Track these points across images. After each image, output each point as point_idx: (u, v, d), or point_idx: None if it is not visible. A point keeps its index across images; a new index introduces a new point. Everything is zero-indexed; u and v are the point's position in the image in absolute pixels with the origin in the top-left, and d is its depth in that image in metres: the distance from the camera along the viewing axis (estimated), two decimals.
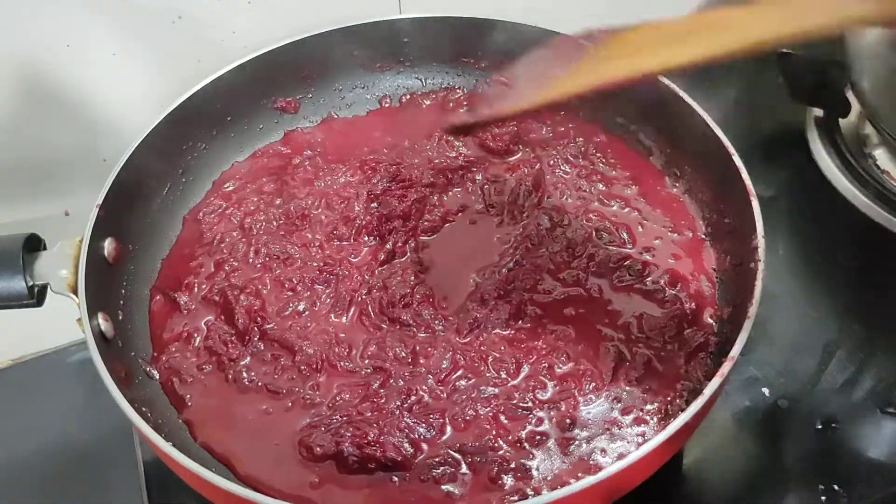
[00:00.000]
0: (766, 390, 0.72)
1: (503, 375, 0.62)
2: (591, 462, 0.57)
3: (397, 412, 0.60)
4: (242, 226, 0.73)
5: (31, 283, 0.60)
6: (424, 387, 0.62)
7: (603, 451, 0.58)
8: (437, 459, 0.58)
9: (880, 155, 0.86)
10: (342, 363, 0.63)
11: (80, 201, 0.70)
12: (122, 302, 0.66)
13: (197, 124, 0.76)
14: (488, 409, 0.60)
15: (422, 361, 0.63)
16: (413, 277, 0.68)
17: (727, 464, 0.68)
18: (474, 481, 0.57)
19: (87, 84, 0.80)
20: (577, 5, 0.97)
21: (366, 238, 0.72)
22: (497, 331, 0.65)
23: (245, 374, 0.63)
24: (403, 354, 0.63)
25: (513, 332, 0.65)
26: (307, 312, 0.67)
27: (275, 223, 0.73)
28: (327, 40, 0.80)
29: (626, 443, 0.58)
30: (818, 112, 0.91)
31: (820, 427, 0.69)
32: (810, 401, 0.71)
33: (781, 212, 0.84)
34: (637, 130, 0.79)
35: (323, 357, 0.64)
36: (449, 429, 0.59)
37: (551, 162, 0.78)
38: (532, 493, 0.56)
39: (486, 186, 0.76)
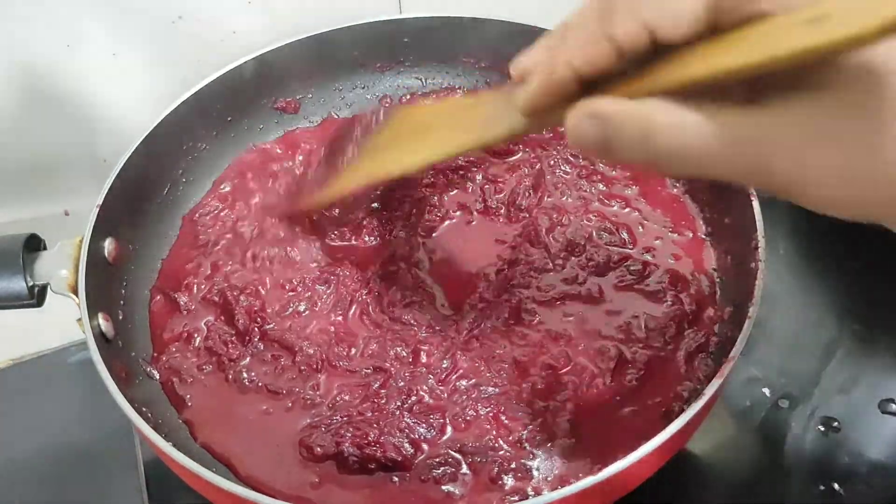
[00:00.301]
0: (766, 390, 0.72)
1: (503, 375, 0.62)
2: (592, 463, 0.57)
3: (397, 412, 0.60)
4: (235, 229, 0.73)
5: (31, 283, 0.60)
6: (425, 387, 0.62)
7: (604, 451, 0.58)
8: (437, 460, 0.58)
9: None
10: (342, 363, 0.63)
11: (80, 201, 0.70)
12: (122, 302, 0.66)
13: (197, 124, 0.76)
14: (488, 409, 0.60)
15: (422, 361, 0.63)
16: (413, 277, 0.68)
17: (727, 464, 0.68)
18: (475, 481, 0.57)
19: (87, 84, 0.80)
20: (576, 5, 0.97)
21: (367, 238, 0.72)
22: (497, 330, 0.65)
23: (245, 375, 0.63)
24: (404, 354, 0.63)
25: (513, 331, 0.65)
26: (307, 312, 0.67)
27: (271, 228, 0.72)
28: (327, 40, 0.80)
29: (627, 443, 0.58)
30: None
31: (820, 427, 0.69)
32: (810, 401, 0.71)
33: (781, 212, 0.84)
34: None
35: (323, 357, 0.64)
36: (449, 429, 0.59)
37: (551, 162, 0.78)
38: (532, 493, 0.56)
39: (486, 186, 0.76)
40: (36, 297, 0.61)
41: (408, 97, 0.86)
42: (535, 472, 0.57)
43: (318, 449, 0.58)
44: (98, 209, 0.64)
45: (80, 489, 0.70)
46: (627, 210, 0.74)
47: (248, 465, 0.58)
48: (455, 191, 0.76)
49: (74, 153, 0.83)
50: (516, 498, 0.55)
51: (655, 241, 0.71)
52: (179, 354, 0.65)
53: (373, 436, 0.58)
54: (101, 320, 0.61)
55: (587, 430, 0.59)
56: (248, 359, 0.64)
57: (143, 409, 0.57)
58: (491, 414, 0.60)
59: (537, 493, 0.56)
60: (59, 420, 0.74)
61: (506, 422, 0.59)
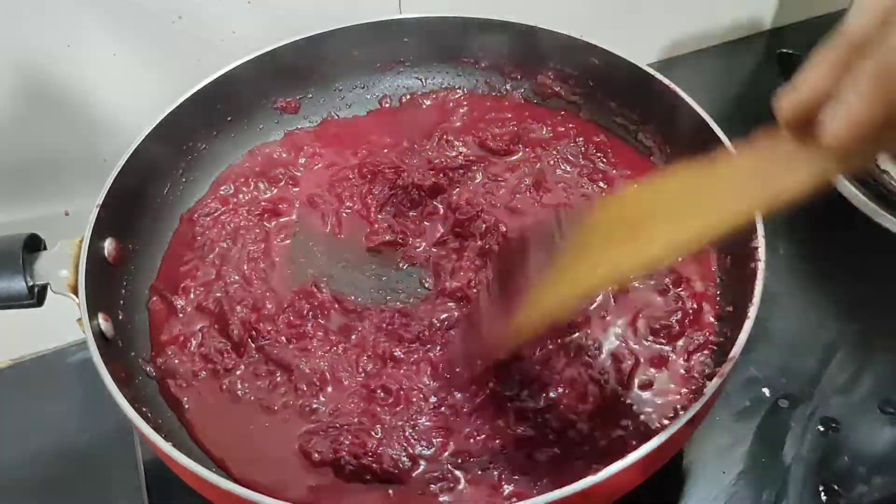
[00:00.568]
0: (766, 390, 0.72)
1: (512, 385, 0.62)
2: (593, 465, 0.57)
3: (399, 425, 0.59)
4: (235, 235, 0.72)
5: (31, 283, 0.60)
6: (429, 402, 0.61)
7: (604, 452, 0.58)
8: (435, 474, 0.57)
9: (881, 155, 0.86)
10: (346, 380, 0.63)
11: (80, 201, 0.70)
12: (122, 302, 0.66)
13: (197, 124, 0.76)
14: (497, 420, 0.60)
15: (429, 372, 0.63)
16: (421, 287, 0.69)
17: (727, 464, 0.68)
18: (474, 492, 0.56)
19: (87, 84, 0.80)
20: (577, 5, 0.97)
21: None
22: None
23: (239, 386, 0.63)
24: (408, 366, 0.63)
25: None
26: (306, 328, 0.66)
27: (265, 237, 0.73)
28: (327, 40, 0.80)
29: (627, 443, 0.58)
30: None
31: (820, 427, 0.69)
32: (810, 401, 0.71)
33: (781, 212, 0.84)
34: (637, 130, 0.79)
35: (323, 376, 0.63)
36: (452, 445, 0.59)
37: (552, 161, 0.78)
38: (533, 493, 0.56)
39: (487, 184, 0.76)
40: (36, 297, 0.61)
41: (408, 97, 0.86)
42: (536, 477, 0.57)
43: (317, 455, 0.58)
44: (98, 209, 0.64)
45: (80, 489, 0.70)
46: None
47: (243, 468, 0.58)
48: (457, 189, 0.75)
49: (74, 153, 0.83)
50: (515, 500, 0.55)
51: None
52: (176, 358, 0.65)
53: (371, 445, 0.57)
54: (101, 320, 0.61)
55: (596, 433, 0.59)
56: (241, 369, 0.64)
57: (143, 410, 0.57)
58: (499, 424, 0.59)
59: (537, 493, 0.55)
60: (59, 420, 0.74)
61: (512, 430, 0.59)
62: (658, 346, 0.64)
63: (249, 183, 0.77)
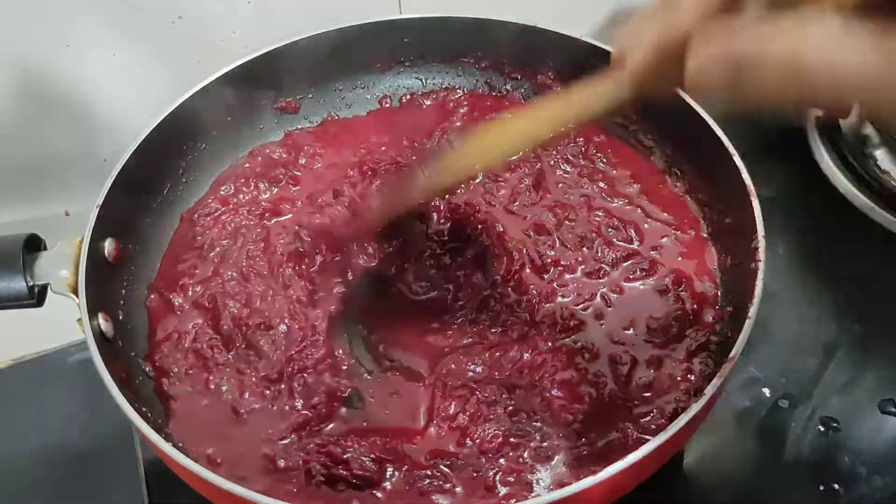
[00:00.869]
0: (766, 390, 0.72)
1: (517, 393, 0.61)
2: (590, 466, 0.57)
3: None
4: (235, 235, 0.72)
5: (31, 283, 0.60)
6: (433, 401, 0.61)
7: (601, 453, 0.58)
8: (425, 472, 0.57)
9: (881, 155, 0.86)
10: (333, 380, 0.63)
11: (80, 201, 0.70)
12: (122, 302, 0.66)
13: (197, 124, 0.76)
14: (497, 423, 0.59)
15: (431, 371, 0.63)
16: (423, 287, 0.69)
17: (727, 464, 0.68)
18: (468, 494, 0.56)
19: (87, 84, 0.80)
20: (577, 5, 0.97)
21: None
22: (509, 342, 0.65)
23: (224, 382, 0.63)
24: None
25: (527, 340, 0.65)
26: (293, 328, 0.66)
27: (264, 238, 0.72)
28: (327, 40, 0.80)
29: (626, 444, 0.58)
30: (818, 112, 0.91)
31: (820, 427, 0.69)
32: (810, 401, 0.71)
33: (781, 212, 0.84)
34: (637, 130, 0.79)
35: (299, 371, 0.63)
36: (451, 446, 0.59)
37: (552, 162, 0.78)
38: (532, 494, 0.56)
39: (487, 184, 0.76)
40: (36, 297, 0.61)
41: (408, 97, 0.86)
42: (535, 479, 0.57)
43: (282, 462, 0.58)
44: (98, 209, 0.64)
45: (80, 489, 0.70)
46: (630, 208, 0.74)
47: (225, 471, 0.57)
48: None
49: (74, 153, 0.83)
50: (514, 501, 0.55)
51: (662, 239, 0.71)
52: (170, 355, 0.65)
53: (338, 452, 0.57)
54: (101, 320, 0.61)
55: (596, 433, 0.59)
56: (230, 367, 0.64)
57: (143, 409, 0.57)
58: (499, 432, 0.59)
59: (536, 494, 0.55)
60: (59, 420, 0.74)
61: (512, 440, 0.59)
62: (658, 346, 0.64)
63: (250, 183, 0.77)
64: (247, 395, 0.62)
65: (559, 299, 0.67)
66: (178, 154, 0.76)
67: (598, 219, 0.72)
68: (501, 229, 0.72)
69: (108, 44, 0.78)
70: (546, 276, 0.68)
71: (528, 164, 0.77)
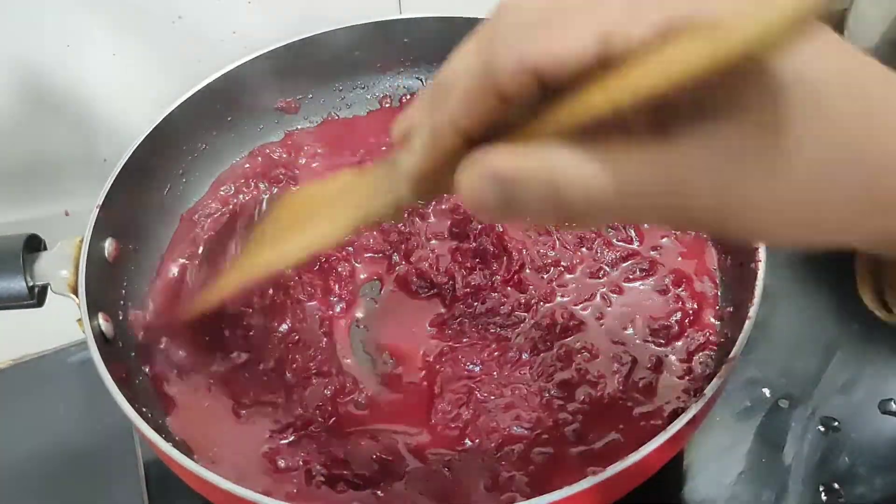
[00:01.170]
0: (766, 390, 0.72)
1: (519, 390, 0.61)
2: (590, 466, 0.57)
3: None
4: (234, 237, 0.72)
5: (31, 284, 0.60)
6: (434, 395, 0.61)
7: (601, 453, 0.58)
8: (425, 471, 0.57)
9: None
10: (334, 380, 0.63)
11: (80, 201, 0.70)
12: (122, 302, 0.66)
13: (197, 124, 0.76)
14: (497, 423, 0.59)
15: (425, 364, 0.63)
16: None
17: (727, 464, 0.68)
18: (467, 492, 0.56)
19: (87, 84, 0.80)
20: None
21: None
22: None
23: (220, 383, 0.63)
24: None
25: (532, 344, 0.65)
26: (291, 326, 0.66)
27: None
28: (327, 40, 0.80)
29: (630, 445, 0.58)
30: None
31: (820, 427, 0.69)
32: (810, 401, 0.71)
33: None
34: None
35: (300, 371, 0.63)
36: (442, 447, 0.59)
37: None
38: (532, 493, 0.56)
39: None
40: (36, 297, 0.61)
41: (408, 97, 0.86)
42: (534, 482, 0.56)
43: (282, 462, 0.58)
44: (98, 209, 0.64)
45: (80, 489, 0.69)
46: None
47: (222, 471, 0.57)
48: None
49: (74, 153, 0.83)
50: (514, 501, 0.55)
51: (661, 239, 0.71)
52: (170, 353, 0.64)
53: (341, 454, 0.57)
54: (101, 320, 0.61)
55: (596, 434, 0.59)
56: (224, 367, 0.64)
57: (143, 410, 0.57)
58: (503, 426, 0.59)
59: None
60: (59, 420, 0.74)
61: (512, 440, 0.59)
62: (658, 346, 0.64)
63: (250, 183, 0.77)
64: (247, 395, 0.62)
65: (559, 299, 0.67)
66: (178, 154, 0.76)
67: None
68: (501, 229, 0.71)
69: (108, 44, 0.78)
70: (546, 276, 0.68)
71: None
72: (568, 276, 0.68)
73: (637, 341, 0.64)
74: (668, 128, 0.29)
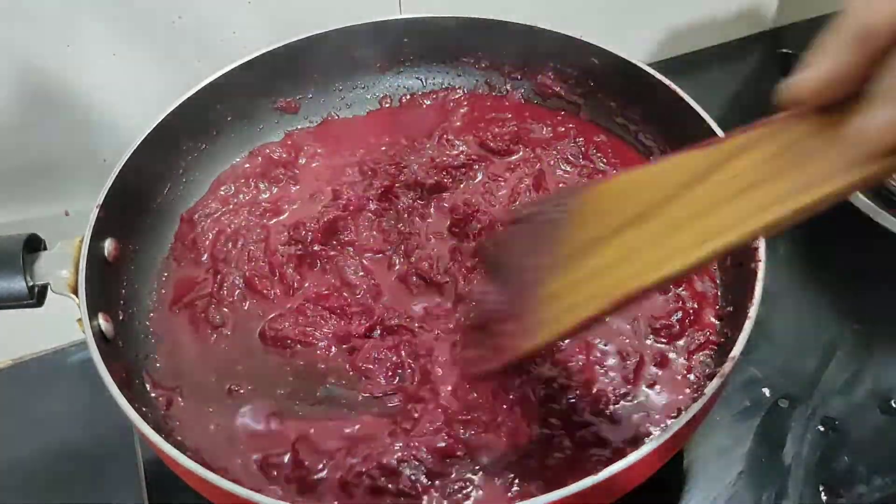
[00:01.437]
0: (766, 390, 0.72)
1: (524, 389, 0.61)
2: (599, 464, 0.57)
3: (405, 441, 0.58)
4: (235, 235, 0.72)
5: (31, 284, 0.60)
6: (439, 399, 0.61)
7: (607, 452, 0.58)
8: (457, 485, 0.56)
9: None
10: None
11: (80, 201, 0.70)
12: (122, 302, 0.66)
13: (197, 124, 0.76)
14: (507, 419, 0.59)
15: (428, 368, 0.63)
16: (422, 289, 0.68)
17: (727, 464, 0.68)
18: (487, 493, 0.56)
19: (87, 84, 0.80)
20: (577, 5, 0.97)
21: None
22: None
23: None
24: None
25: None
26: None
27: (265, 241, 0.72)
28: (327, 40, 0.80)
29: (628, 443, 0.58)
30: None
31: (820, 427, 0.69)
32: (810, 401, 0.71)
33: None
34: (637, 130, 0.79)
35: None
36: (468, 446, 0.58)
37: (552, 162, 0.78)
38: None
39: (487, 184, 0.76)
40: (36, 297, 0.61)
41: (408, 97, 0.86)
42: (548, 475, 0.57)
43: (274, 471, 0.57)
44: (98, 209, 0.64)
45: (80, 489, 0.70)
46: None
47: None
48: (459, 187, 0.75)
49: (74, 153, 0.83)
50: (519, 499, 0.55)
51: None
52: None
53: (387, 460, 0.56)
54: (101, 320, 0.61)
55: (598, 431, 0.59)
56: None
57: (143, 410, 0.57)
58: (509, 424, 0.59)
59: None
60: (59, 420, 0.74)
61: (526, 429, 0.59)
62: (659, 345, 0.64)
63: (250, 183, 0.77)
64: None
65: None
66: (178, 154, 0.76)
67: None
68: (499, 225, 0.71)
69: (108, 44, 0.78)
70: None
71: (528, 164, 0.77)
72: None
73: (637, 340, 0.64)
74: None
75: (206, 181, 0.78)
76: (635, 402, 0.61)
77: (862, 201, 0.82)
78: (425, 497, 0.55)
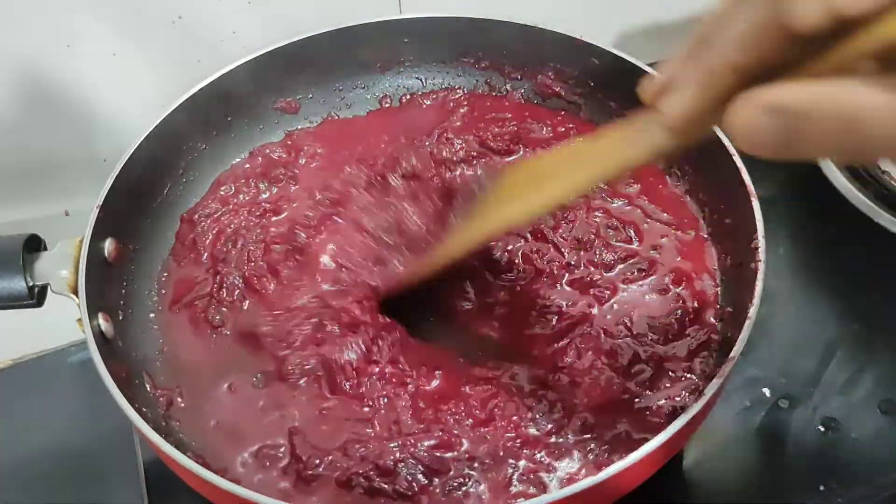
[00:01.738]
0: (766, 390, 0.72)
1: (517, 378, 0.62)
2: (601, 462, 0.57)
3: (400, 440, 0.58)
4: (235, 236, 0.72)
5: (31, 284, 0.60)
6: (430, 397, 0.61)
7: (607, 451, 0.58)
8: (456, 481, 0.56)
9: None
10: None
11: (80, 201, 0.70)
12: (122, 302, 0.66)
13: (197, 124, 0.76)
14: (506, 419, 0.59)
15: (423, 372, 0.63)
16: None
17: (727, 464, 0.68)
18: (488, 490, 0.56)
19: (87, 84, 0.80)
20: (577, 5, 0.97)
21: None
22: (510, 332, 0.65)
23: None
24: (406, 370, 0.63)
25: (526, 331, 0.65)
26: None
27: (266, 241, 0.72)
28: (327, 40, 0.80)
29: (634, 441, 0.58)
30: None
31: (820, 427, 0.69)
32: (810, 401, 0.71)
33: (781, 212, 0.85)
34: None
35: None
36: (465, 442, 0.58)
37: None
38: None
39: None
40: (36, 297, 0.61)
41: (408, 97, 0.86)
42: (545, 475, 0.57)
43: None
44: (98, 209, 0.64)
45: (80, 489, 0.70)
46: (630, 208, 0.74)
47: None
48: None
49: (74, 153, 0.83)
50: (521, 499, 0.55)
51: (661, 239, 0.71)
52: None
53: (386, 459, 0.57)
54: (101, 320, 0.61)
55: (598, 430, 0.59)
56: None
57: (143, 410, 0.57)
58: (504, 419, 0.59)
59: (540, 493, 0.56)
60: (59, 420, 0.74)
61: (522, 426, 0.59)
62: (658, 345, 0.64)
63: (250, 183, 0.77)
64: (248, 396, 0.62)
65: (559, 299, 0.67)
66: (178, 154, 0.76)
67: (597, 219, 0.72)
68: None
69: (108, 44, 0.78)
70: (546, 276, 0.68)
71: None
72: (568, 276, 0.68)
73: (637, 340, 0.64)
74: None
75: (206, 181, 0.78)
76: (635, 402, 0.61)
77: (862, 201, 0.82)
78: (424, 497, 0.55)
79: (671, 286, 0.67)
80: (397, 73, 0.87)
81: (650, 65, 0.75)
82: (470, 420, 0.59)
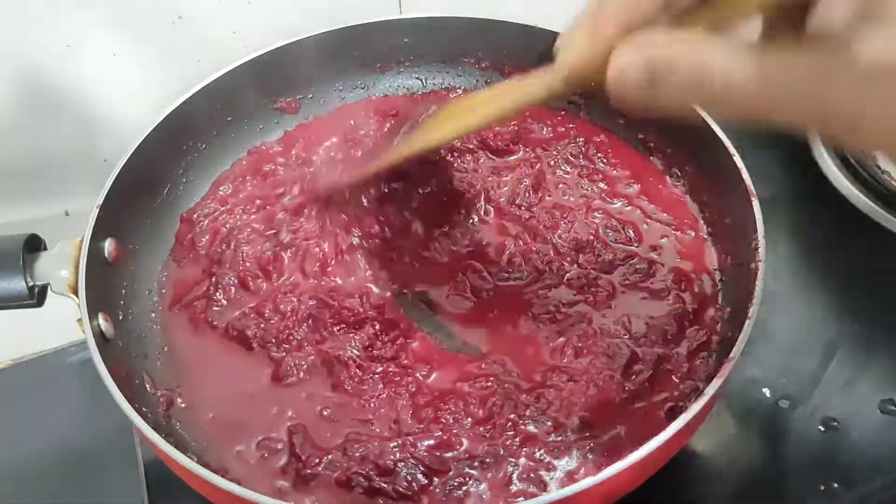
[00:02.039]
0: (766, 390, 0.72)
1: (514, 376, 0.62)
2: (601, 461, 0.57)
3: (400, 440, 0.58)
4: (229, 238, 0.72)
5: (31, 284, 0.60)
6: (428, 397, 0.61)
7: (608, 451, 0.58)
8: (456, 481, 0.56)
9: (881, 155, 0.86)
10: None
11: (80, 201, 0.70)
12: (122, 302, 0.66)
13: (197, 124, 0.76)
14: (504, 418, 0.59)
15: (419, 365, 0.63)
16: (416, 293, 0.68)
17: (727, 464, 0.68)
18: (489, 489, 0.56)
19: (87, 84, 0.80)
20: (577, 5, 0.97)
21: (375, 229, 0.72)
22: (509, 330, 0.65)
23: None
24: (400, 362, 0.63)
25: (525, 330, 0.65)
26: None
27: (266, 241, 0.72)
28: (327, 40, 0.80)
29: (634, 440, 0.58)
30: None
31: (820, 427, 0.69)
32: (810, 401, 0.71)
33: (781, 212, 0.84)
34: (637, 130, 0.79)
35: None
36: (465, 441, 0.58)
37: (551, 162, 0.78)
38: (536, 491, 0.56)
39: (490, 179, 0.76)
40: (36, 297, 0.61)
41: (408, 97, 0.86)
42: (545, 474, 0.57)
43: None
44: (98, 209, 0.64)
45: (80, 489, 0.69)
46: (630, 208, 0.74)
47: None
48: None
49: (74, 153, 0.83)
50: (521, 499, 0.55)
51: (661, 239, 0.71)
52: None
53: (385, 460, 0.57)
54: (101, 320, 0.61)
55: (597, 429, 0.59)
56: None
57: (143, 410, 0.57)
58: (503, 417, 0.59)
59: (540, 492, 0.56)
60: (59, 420, 0.74)
61: (521, 424, 0.59)
62: (658, 345, 0.64)
63: (249, 183, 0.77)
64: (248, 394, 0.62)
65: (559, 299, 0.67)
66: (178, 154, 0.76)
67: (596, 220, 0.72)
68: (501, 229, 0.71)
69: (108, 44, 0.78)
70: (546, 277, 0.68)
71: (528, 164, 0.77)
72: (568, 276, 0.68)
73: (638, 341, 0.64)
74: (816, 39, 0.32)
75: (206, 181, 0.78)
76: (635, 402, 0.61)
77: (862, 201, 0.82)
78: (425, 497, 0.55)
79: (671, 286, 0.67)
80: (397, 73, 0.87)
81: None
82: (469, 419, 0.59)
